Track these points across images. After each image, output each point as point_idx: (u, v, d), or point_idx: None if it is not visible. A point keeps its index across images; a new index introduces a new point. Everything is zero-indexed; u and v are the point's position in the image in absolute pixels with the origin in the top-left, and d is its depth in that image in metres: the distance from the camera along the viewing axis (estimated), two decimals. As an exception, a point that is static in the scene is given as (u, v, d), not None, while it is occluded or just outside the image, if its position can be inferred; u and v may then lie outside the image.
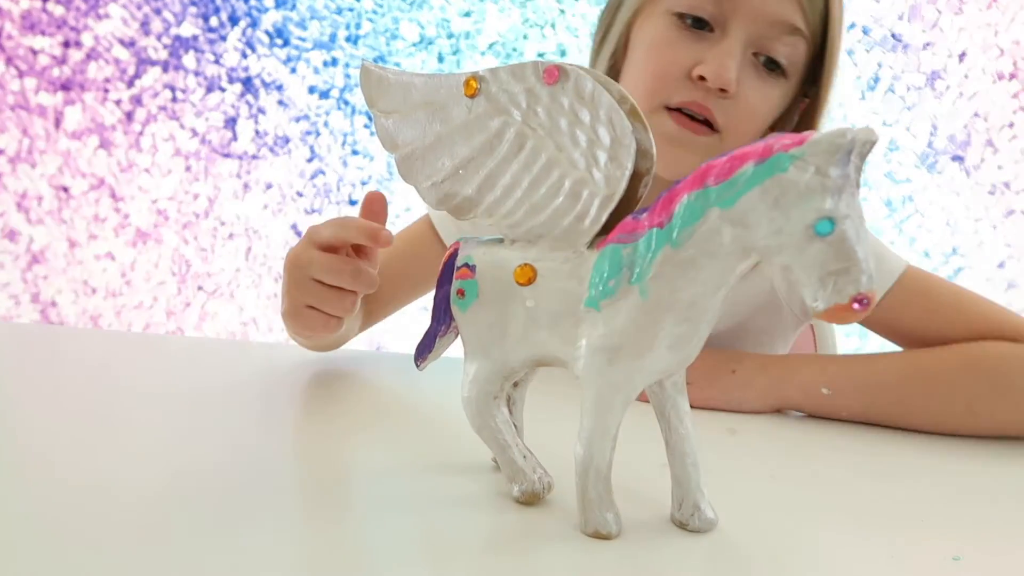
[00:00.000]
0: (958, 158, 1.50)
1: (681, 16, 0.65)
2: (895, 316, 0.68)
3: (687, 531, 0.43)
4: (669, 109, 0.65)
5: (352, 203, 1.76)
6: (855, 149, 0.35)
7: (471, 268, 0.46)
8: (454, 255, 0.48)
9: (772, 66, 0.65)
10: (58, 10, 1.80)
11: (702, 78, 0.63)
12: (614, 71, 0.71)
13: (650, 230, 0.39)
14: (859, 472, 0.55)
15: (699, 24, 0.65)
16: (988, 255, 1.52)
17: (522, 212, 0.44)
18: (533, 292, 0.43)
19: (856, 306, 0.34)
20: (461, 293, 0.46)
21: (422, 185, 0.46)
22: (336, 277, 0.57)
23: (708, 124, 0.65)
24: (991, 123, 1.48)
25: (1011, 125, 1.47)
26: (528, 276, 0.43)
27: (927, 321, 0.67)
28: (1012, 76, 1.45)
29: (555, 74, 0.42)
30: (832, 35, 0.66)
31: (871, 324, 0.72)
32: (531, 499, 0.46)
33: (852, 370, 0.65)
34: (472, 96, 0.44)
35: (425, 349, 0.52)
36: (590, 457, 0.42)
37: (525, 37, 1.63)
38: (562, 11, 1.61)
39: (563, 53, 1.62)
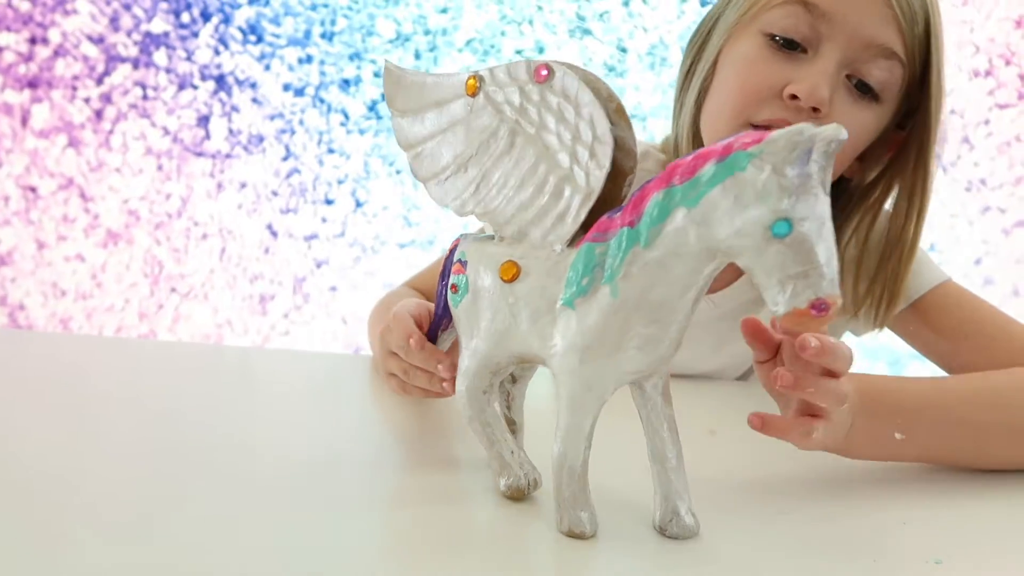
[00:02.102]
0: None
1: (772, 37, 0.63)
2: (926, 327, 0.68)
3: (665, 537, 0.43)
4: (755, 127, 0.63)
5: (328, 202, 1.74)
6: (818, 148, 0.34)
7: (463, 264, 0.47)
8: (455, 250, 0.49)
9: (865, 90, 0.63)
10: (24, 5, 1.76)
11: (794, 97, 0.61)
12: (703, 94, 0.69)
13: (621, 229, 0.39)
14: (840, 475, 0.55)
15: (790, 46, 0.63)
16: (965, 251, 1.53)
17: (511, 209, 0.45)
18: (516, 289, 0.44)
19: (814, 312, 0.33)
20: (454, 288, 0.47)
21: (429, 183, 0.47)
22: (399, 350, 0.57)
23: None
24: (967, 120, 1.49)
25: (987, 122, 1.48)
26: (512, 273, 0.44)
27: (958, 338, 0.66)
28: (988, 73, 1.46)
29: (544, 72, 0.43)
30: (934, 63, 0.64)
31: (905, 334, 0.71)
32: (516, 494, 0.46)
33: (925, 405, 0.54)
34: (473, 95, 0.45)
35: (430, 342, 0.54)
36: (564, 456, 0.42)
37: (503, 34, 1.62)
38: (540, 7, 1.60)
39: (541, 50, 1.61)
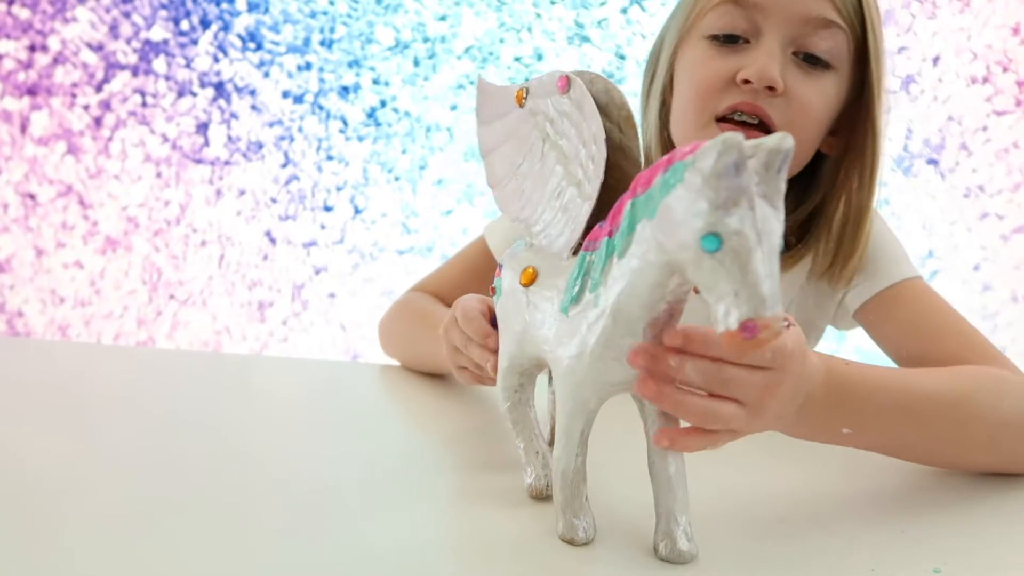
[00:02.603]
0: (933, 161, 1.51)
1: (714, 37, 0.66)
2: (886, 317, 0.68)
3: (657, 558, 0.42)
4: (720, 121, 0.65)
5: (327, 209, 1.74)
6: (757, 158, 0.32)
7: (501, 268, 0.49)
8: None
9: (814, 61, 0.65)
10: (23, 13, 1.77)
11: (747, 81, 0.64)
12: (665, 109, 0.72)
13: (604, 239, 0.40)
14: (840, 484, 0.55)
15: (732, 40, 0.66)
16: (964, 257, 1.53)
17: (535, 216, 0.46)
18: (531, 293, 0.45)
19: (744, 334, 0.31)
20: (492, 290, 0.49)
21: (494, 190, 0.49)
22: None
23: (763, 128, 0.65)
24: (965, 126, 1.49)
25: (984, 128, 1.48)
26: (530, 278, 0.45)
27: (911, 329, 0.66)
28: (985, 80, 1.47)
29: (565, 83, 0.44)
30: (870, 25, 0.66)
31: (867, 324, 0.70)
32: (536, 493, 0.48)
33: (888, 403, 0.51)
34: (521, 106, 0.46)
35: None
36: (558, 460, 0.42)
37: (502, 41, 1.63)
38: (538, 15, 1.60)
39: (539, 57, 1.61)
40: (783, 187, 0.33)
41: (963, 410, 0.53)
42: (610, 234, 0.39)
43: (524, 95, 0.46)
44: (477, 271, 0.79)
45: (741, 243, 0.32)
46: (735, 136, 0.32)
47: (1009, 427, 0.54)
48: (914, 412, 0.51)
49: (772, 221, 0.32)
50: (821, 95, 0.66)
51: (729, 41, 0.66)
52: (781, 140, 0.32)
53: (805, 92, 0.65)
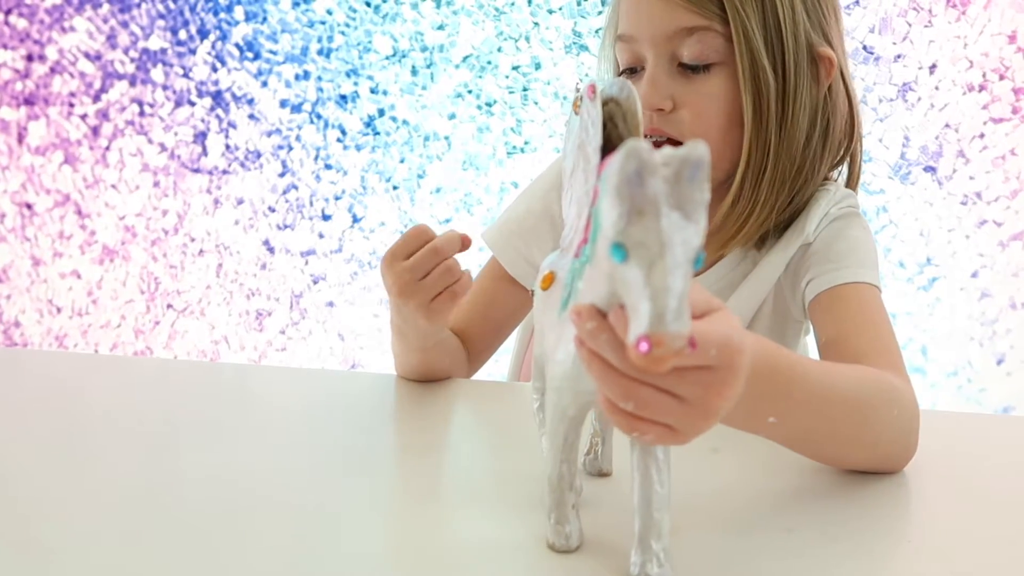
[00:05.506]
0: (930, 169, 1.52)
1: (622, 71, 0.73)
2: (828, 312, 0.68)
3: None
4: (656, 144, 0.67)
5: (326, 218, 1.74)
6: (669, 167, 0.31)
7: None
8: None
9: (692, 68, 0.68)
10: (21, 23, 1.77)
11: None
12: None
13: (584, 245, 0.40)
14: (846, 491, 0.54)
15: (633, 71, 0.71)
16: (962, 265, 1.53)
17: (567, 219, 0.47)
18: (546, 297, 0.45)
19: (640, 348, 0.30)
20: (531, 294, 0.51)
21: (562, 199, 0.50)
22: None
23: (674, 144, 0.66)
24: (962, 134, 1.49)
25: (981, 136, 1.49)
26: (547, 282, 0.45)
27: (838, 321, 0.66)
28: (981, 88, 1.47)
29: (592, 92, 0.44)
30: (732, 10, 0.67)
31: (812, 317, 0.70)
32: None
33: (805, 393, 0.49)
34: (576, 113, 0.47)
35: None
36: (544, 466, 0.42)
37: (499, 50, 1.63)
38: (536, 24, 1.61)
39: (538, 66, 1.62)
40: (701, 197, 0.31)
41: (863, 413, 0.53)
42: (585, 241, 0.39)
43: (579, 103, 0.46)
44: (495, 278, 0.82)
45: (644, 255, 0.31)
46: (639, 144, 0.31)
47: (891, 432, 0.55)
48: (825, 407, 0.50)
49: (684, 232, 0.31)
50: (710, 97, 0.69)
51: (632, 72, 0.71)
52: (691, 149, 0.31)
53: (695, 101, 0.68)
